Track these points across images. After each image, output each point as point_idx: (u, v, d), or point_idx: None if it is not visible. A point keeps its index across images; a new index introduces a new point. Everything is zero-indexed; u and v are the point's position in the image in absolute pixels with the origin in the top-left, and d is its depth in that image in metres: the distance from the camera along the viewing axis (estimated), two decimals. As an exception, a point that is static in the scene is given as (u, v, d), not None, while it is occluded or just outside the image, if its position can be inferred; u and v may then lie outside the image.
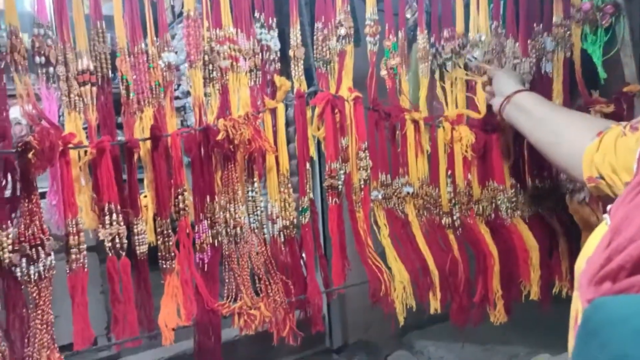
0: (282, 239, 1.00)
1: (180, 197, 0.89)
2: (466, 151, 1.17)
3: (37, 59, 0.77)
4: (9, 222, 0.74)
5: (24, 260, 0.75)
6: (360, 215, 1.08)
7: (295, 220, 1.01)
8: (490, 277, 1.16)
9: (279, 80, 0.98)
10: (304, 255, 1.03)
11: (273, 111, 0.98)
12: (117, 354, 2.45)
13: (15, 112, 0.79)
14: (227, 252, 0.93)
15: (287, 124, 1.08)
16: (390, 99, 1.14)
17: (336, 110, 1.03)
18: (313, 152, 1.03)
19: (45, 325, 0.75)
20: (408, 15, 1.32)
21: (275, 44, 1.00)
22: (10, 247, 0.74)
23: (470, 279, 1.16)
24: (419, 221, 1.15)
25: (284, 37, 1.03)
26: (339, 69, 1.07)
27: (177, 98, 2.14)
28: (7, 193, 0.75)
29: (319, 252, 1.05)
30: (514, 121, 1.02)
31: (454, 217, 1.17)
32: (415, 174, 1.13)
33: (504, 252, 1.16)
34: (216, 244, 0.92)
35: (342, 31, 1.06)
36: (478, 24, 1.21)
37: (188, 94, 2.12)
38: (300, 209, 1.02)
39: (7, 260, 0.74)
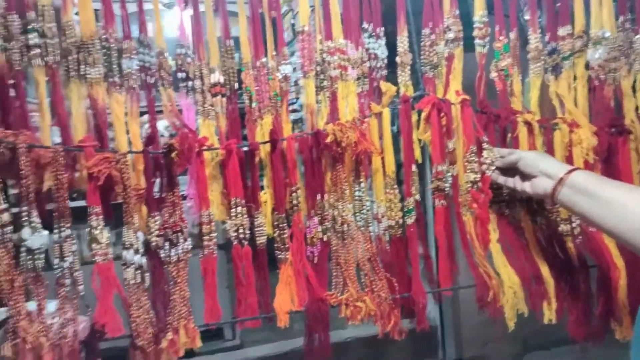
0: (387, 238, 1.04)
1: (294, 194, 0.98)
2: (587, 154, 1.10)
3: (179, 74, 0.92)
4: (156, 211, 0.89)
5: (167, 243, 0.89)
6: (468, 219, 1.07)
7: (400, 221, 1.04)
8: (615, 291, 1.07)
9: (384, 86, 1.03)
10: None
11: (379, 116, 1.03)
12: (240, 344, 2.67)
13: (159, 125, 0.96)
14: (334, 247, 1.00)
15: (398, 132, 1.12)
16: (500, 101, 1.12)
17: (442, 114, 1.05)
18: (418, 155, 1.06)
19: (182, 300, 0.88)
20: (527, 17, 1.28)
21: (382, 52, 1.05)
22: (157, 232, 0.89)
23: (592, 292, 1.08)
24: (533, 227, 1.10)
25: (391, 45, 1.08)
26: (447, 72, 1.08)
27: (295, 111, 2.28)
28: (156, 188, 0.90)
29: (425, 253, 1.06)
30: (573, 206, 0.89)
31: (574, 225, 1.10)
32: (528, 177, 1.09)
33: (632, 264, 1.06)
34: (325, 239, 0.99)
35: (451, 35, 1.08)
36: (601, 19, 1.13)
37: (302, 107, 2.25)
38: (405, 210, 1.05)
39: (154, 243, 0.89)
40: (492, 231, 1.08)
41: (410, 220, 1.05)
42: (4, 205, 0.80)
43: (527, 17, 1.26)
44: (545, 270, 1.06)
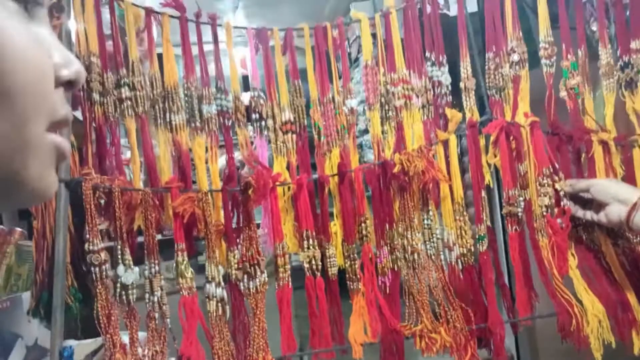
0: (460, 267, 1.02)
1: (363, 224, 1.00)
2: (672, 172, 1.04)
3: (253, 115, 0.97)
4: (235, 246, 0.94)
5: (245, 276, 0.93)
6: (544, 244, 1.04)
7: (472, 248, 1.03)
8: None
9: (450, 112, 1.03)
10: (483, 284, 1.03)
11: (446, 143, 1.03)
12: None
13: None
14: (406, 277, 1.00)
15: (463, 155, 1.11)
16: (572, 121, 1.08)
17: (512, 137, 1.03)
18: (489, 179, 1.04)
19: (261, 332, 0.92)
20: (594, 28, 1.24)
21: (446, 79, 1.06)
22: (236, 266, 0.93)
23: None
24: (615, 251, 1.05)
25: (454, 70, 1.08)
26: (514, 94, 1.07)
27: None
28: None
29: (501, 281, 1.04)
30: None
31: (661, 247, 1.04)
32: (607, 199, 1.04)
33: None
34: (396, 269, 1.00)
35: (515, 57, 1.07)
36: (680, 29, 1.08)
37: (365, 132, 2.27)
38: (477, 236, 1.03)
39: (234, 276, 0.93)
40: (570, 257, 1.04)
41: (482, 247, 1.03)
42: (102, 245, 0.88)
43: (594, 28, 1.22)
44: (632, 297, 1.01)
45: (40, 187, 0.26)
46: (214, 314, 0.92)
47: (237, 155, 1.03)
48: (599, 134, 1.07)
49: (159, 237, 0.91)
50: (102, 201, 0.88)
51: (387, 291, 0.98)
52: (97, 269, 0.85)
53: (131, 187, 0.88)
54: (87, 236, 0.85)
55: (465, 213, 1.03)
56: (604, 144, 1.07)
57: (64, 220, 0.85)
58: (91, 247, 0.85)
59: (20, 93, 0.23)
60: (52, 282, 0.84)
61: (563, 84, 1.10)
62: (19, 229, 1.38)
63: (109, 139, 0.89)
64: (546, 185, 1.04)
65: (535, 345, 2.17)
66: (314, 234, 0.98)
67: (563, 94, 1.10)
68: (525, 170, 1.04)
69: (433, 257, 1.02)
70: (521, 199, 1.04)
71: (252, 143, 1.00)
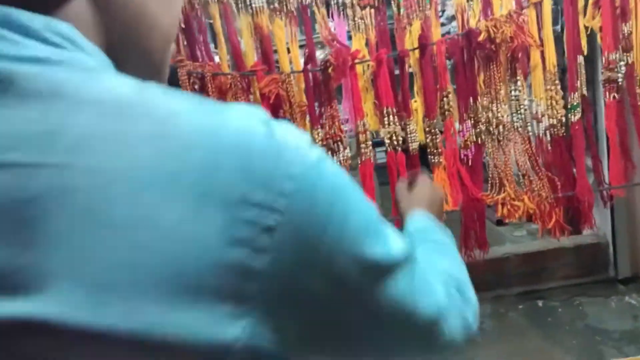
0: (548, 138, 0.99)
1: (445, 99, 0.99)
2: None
3: (331, -8, 0.96)
4: (318, 124, 0.99)
5: (329, 153, 0.99)
6: (647, 111, 0.96)
7: (563, 119, 0.99)
8: None
9: (545, -30, 0.93)
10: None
11: (539, 5, 0.95)
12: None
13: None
14: (490, 150, 1.00)
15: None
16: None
17: (617, -8, 0.92)
18: (584, 44, 0.96)
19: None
20: None
21: None
22: (320, 143, 0.99)
23: None
24: None
25: None
26: (623, -58, 0.93)
27: (441, 25, 2.15)
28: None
29: (592, 151, 1.00)
30: None
31: None
32: None
33: None
34: (479, 142, 0.99)
35: None
36: None
37: (452, 18, 2.12)
38: (569, 106, 0.98)
39: (318, 152, 0.99)
40: (678, 123, 0.96)
41: (574, 117, 0.98)
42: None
43: None
44: None
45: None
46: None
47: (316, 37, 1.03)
48: None
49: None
50: (196, 86, 0.95)
51: (470, 163, 1.00)
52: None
53: (221, 72, 0.95)
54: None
55: (557, 82, 0.97)
56: None
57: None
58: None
59: (176, 2, 0.29)
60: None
61: None
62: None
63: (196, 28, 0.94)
64: (655, 45, 0.93)
65: (634, 228, 2.07)
66: (394, 110, 0.99)
67: None
68: (629, 30, 0.94)
69: (520, 129, 0.99)
70: (622, 63, 0.95)
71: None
